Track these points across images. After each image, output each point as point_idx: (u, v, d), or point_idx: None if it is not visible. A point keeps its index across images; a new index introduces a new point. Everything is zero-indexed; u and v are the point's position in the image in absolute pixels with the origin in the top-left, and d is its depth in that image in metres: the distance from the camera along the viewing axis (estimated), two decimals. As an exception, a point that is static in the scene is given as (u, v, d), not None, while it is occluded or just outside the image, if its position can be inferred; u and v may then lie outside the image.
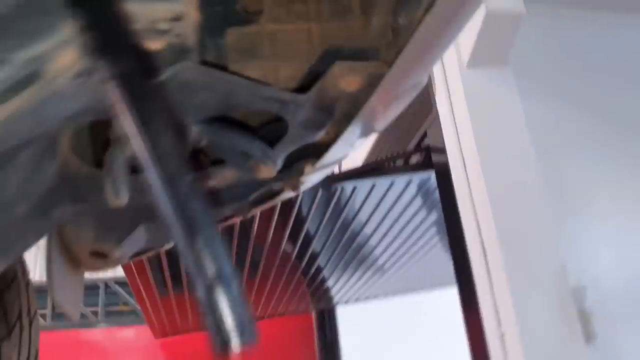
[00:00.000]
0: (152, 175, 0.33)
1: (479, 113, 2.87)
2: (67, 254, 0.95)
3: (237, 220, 1.42)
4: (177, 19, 0.48)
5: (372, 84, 0.73)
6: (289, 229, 3.52)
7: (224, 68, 0.71)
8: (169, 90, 0.56)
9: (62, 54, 0.44)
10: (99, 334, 8.26)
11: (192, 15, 0.51)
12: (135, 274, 4.10)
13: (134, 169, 0.78)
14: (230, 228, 3.63)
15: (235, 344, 0.30)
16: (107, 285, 8.45)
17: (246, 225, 3.76)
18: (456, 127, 2.99)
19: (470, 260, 2.92)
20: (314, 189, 3.30)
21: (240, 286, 0.32)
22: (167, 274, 4.13)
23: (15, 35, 0.40)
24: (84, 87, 0.51)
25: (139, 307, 7.64)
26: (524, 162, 2.74)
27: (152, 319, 5.24)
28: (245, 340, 0.31)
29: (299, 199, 3.32)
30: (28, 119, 0.48)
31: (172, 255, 3.77)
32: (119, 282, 8.52)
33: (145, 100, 0.33)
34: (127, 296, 8.54)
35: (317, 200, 3.35)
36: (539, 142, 2.78)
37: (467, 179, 2.90)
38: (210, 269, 0.31)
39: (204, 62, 0.64)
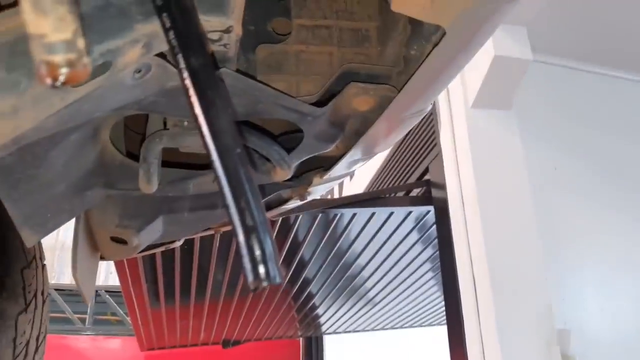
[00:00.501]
0: (210, 147, 0.41)
1: (480, 152, 2.96)
2: (89, 238, 1.03)
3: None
4: (226, 31, 0.57)
5: (381, 106, 0.83)
6: (284, 252, 3.58)
7: (253, 78, 0.80)
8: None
9: (131, 50, 0.53)
10: (85, 341, 8.24)
11: (237, 29, 0.60)
12: (130, 283, 4.15)
13: (164, 162, 0.87)
14: (226, 251, 3.70)
15: (265, 280, 0.39)
16: (97, 294, 8.45)
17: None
18: (458, 164, 3.08)
19: (460, 297, 2.98)
20: (312, 214, 3.37)
21: (272, 236, 0.40)
22: (160, 286, 4.18)
23: (96, 31, 0.49)
24: (139, 81, 0.60)
25: (127, 318, 7.63)
26: (520, 204, 2.82)
27: (140, 330, 5.25)
28: (272, 279, 0.39)
29: (297, 222, 3.39)
30: (91, 104, 0.57)
31: (168, 267, 3.83)
32: (109, 292, 8.52)
33: (212, 87, 0.42)
34: (116, 306, 8.53)
35: (315, 225, 3.42)
36: (536, 185, 2.87)
37: (465, 215, 2.98)
38: (249, 221, 0.39)
39: (238, 71, 0.74)
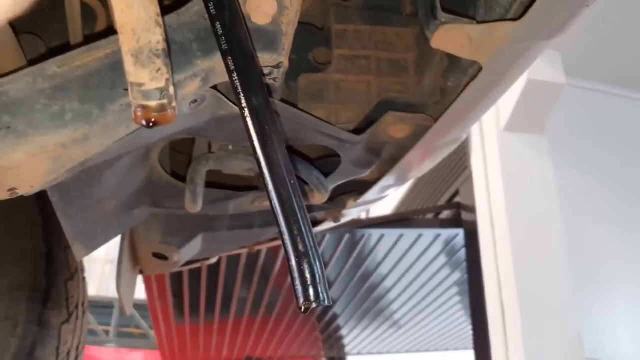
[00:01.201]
0: (267, 179, 0.45)
1: (511, 176, 2.96)
2: (131, 253, 1.07)
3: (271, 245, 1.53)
4: (276, 67, 0.61)
5: (417, 134, 0.86)
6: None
7: (295, 106, 0.85)
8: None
9: (191, 83, 0.57)
10: (108, 353, 8.33)
11: (285, 63, 0.65)
12: (156, 297, 4.21)
13: (207, 183, 0.91)
14: (251, 270, 3.74)
15: (314, 302, 0.42)
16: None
17: (266, 267, 3.86)
18: (488, 187, 3.08)
19: (488, 322, 2.96)
20: (339, 234, 3.39)
21: (322, 261, 0.44)
22: (186, 301, 4.23)
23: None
24: (194, 110, 0.64)
25: (151, 332, 7.70)
26: (550, 229, 2.80)
27: (164, 344, 5.31)
28: (322, 301, 0.43)
29: (324, 241, 3.41)
30: (149, 132, 0.61)
31: (194, 283, 3.88)
32: (134, 305, 8.61)
33: (269, 124, 0.46)
34: (140, 319, 8.63)
35: (341, 245, 3.44)
36: (568, 210, 2.85)
37: (494, 239, 2.97)
38: (301, 247, 0.43)
39: (282, 100, 0.78)
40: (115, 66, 0.53)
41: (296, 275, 0.43)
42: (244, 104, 0.47)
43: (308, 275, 0.43)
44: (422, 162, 1.01)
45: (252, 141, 0.46)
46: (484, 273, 3.03)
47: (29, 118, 0.52)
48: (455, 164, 3.48)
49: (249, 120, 0.47)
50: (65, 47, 0.69)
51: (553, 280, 2.73)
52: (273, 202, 0.44)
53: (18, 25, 0.73)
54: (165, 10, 0.58)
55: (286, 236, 0.43)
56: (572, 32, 0.69)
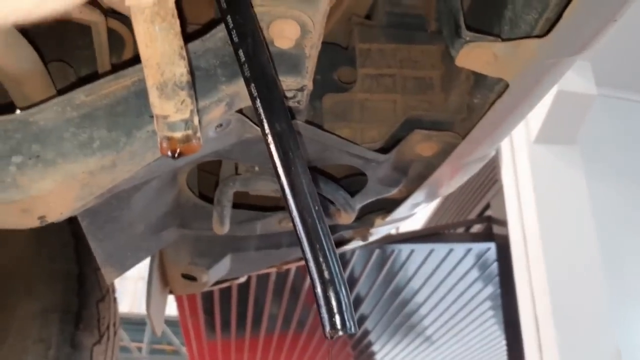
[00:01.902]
0: (291, 205, 0.45)
1: (543, 189, 2.91)
2: (161, 274, 1.08)
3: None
4: (300, 90, 0.62)
5: (445, 152, 0.85)
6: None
7: (320, 127, 0.84)
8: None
9: (216, 108, 0.58)
10: (140, 369, 8.39)
11: (309, 86, 0.65)
12: (187, 314, 4.24)
13: (234, 204, 0.91)
14: (281, 287, 3.74)
15: (341, 329, 0.42)
16: (155, 323, 8.63)
17: (296, 283, 3.85)
18: (520, 200, 3.03)
19: (522, 337, 2.89)
20: (369, 249, 3.37)
21: (347, 288, 0.43)
22: (217, 318, 4.25)
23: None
24: (220, 134, 0.65)
25: (183, 348, 7.73)
26: (584, 242, 2.74)
27: (195, 360, 5.33)
28: (348, 329, 0.42)
29: (353, 257, 3.40)
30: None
31: (225, 300, 3.90)
32: (166, 321, 8.69)
33: (292, 150, 0.46)
34: (172, 336, 8.69)
35: (371, 261, 3.41)
36: (602, 223, 2.79)
37: (527, 253, 2.91)
38: (327, 275, 0.43)
39: (307, 121, 0.78)
40: (142, 93, 0.54)
41: (322, 302, 0.42)
42: (267, 131, 0.47)
43: (334, 303, 0.42)
44: (450, 180, 1.00)
45: (275, 167, 0.46)
46: (517, 287, 2.98)
47: (58, 147, 0.53)
48: (485, 177, 3.44)
49: (272, 146, 0.47)
50: (94, 76, 0.71)
51: (588, 294, 2.67)
52: (297, 229, 0.44)
53: (48, 53, 0.75)
54: (190, 36, 0.59)
55: (311, 263, 0.43)
56: (603, 42, 0.68)
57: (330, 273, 0.42)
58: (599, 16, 0.62)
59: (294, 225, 0.45)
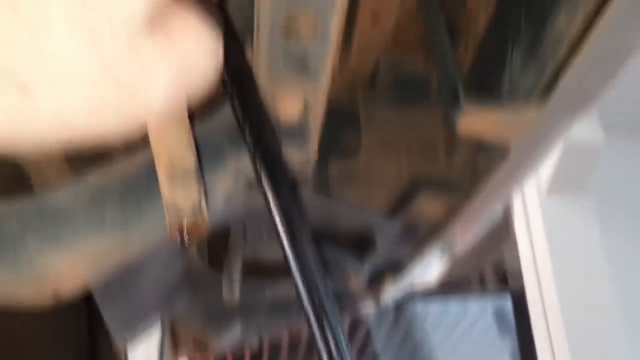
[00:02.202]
0: (298, 281, 0.46)
1: (557, 240, 2.87)
2: (172, 339, 1.08)
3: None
4: (306, 161, 0.63)
5: (453, 213, 0.86)
6: (354, 344, 3.52)
7: (327, 194, 0.86)
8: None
9: (223, 183, 0.59)
10: None
11: (314, 156, 0.67)
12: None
13: (244, 271, 0.92)
14: (295, 344, 3.69)
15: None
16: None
17: (311, 341, 3.78)
18: (534, 253, 2.99)
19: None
20: (384, 308, 3.33)
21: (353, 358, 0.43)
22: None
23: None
24: (228, 205, 0.66)
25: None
26: (601, 293, 2.69)
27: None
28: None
29: (369, 314, 3.35)
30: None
31: None
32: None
33: (299, 226, 0.48)
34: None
35: (386, 318, 3.37)
36: (619, 273, 2.74)
37: (544, 306, 2.86)
38: (334, 352, 0.43)
39: (314, 188, 0.80)
40: (152, 173, 0.56)
41: (330, 379, 0.42)
42: (273, 207, 0.48)
43: (342, 380, 0.43)
44: (460, 239, 1.01)
45: (281, 243, 0.47)
46: (535, 342, 2.91)
47: (72, 226, 0.55)
48: (498, 231, 3.41)
49: (277, 222, 0.48)
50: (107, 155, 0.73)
51: (608, 345, 2.60)
52: (304, 302, 0.45)
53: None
54: (199, 111, 0.61)
55: (318, 339, 0.43)
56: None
57: (338, 348, 0.43)
58: (595, 80, 0.64)
59: (300, 299, 0.45)
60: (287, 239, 0.47)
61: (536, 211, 3.00)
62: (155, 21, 0.23)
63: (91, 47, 0.21)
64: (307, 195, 0.74)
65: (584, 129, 2.90)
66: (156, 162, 0.46)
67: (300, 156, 0.62)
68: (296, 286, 0.46)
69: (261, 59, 0.55)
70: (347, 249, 0.90)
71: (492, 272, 3.49)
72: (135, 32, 0.22)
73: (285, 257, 0.47)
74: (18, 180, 0.67)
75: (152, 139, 0.46)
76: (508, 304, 3.23)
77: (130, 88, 0.23)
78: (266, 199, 0.49)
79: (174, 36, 0.25)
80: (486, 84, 0.74)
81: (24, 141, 0.23)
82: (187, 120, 0.45)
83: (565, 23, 0.59)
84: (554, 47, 0.62)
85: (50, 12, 0.19)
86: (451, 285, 3.53)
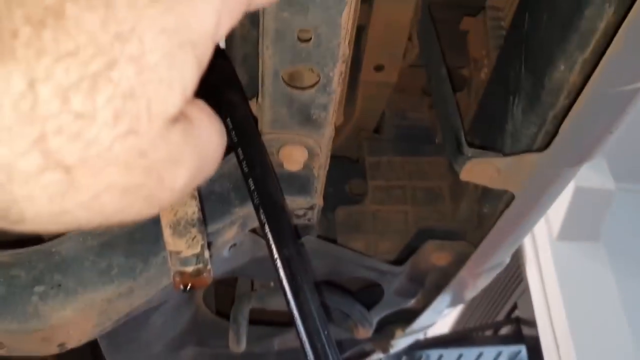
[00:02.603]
0: (300, 329, 0.46)
1: (570, 287, 2.83)
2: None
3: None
4: (310, 208, 0.64)
5: (460, 261, 0.85)
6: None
7: (333, 240, 0.86)
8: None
9: (229, 230, 0.60)
10: None
11: (319, 203, 0.67)
12: None
13: (251, 320, 0.91)
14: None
15: None
16: None
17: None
18: (547, 300, 2.95)
19: None
20: (396, 356, 3.25)
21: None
22: None
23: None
24: (233, 254, 0.67)
25: None
26: (617, 339, 2.63)
27: None
28: None
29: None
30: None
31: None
32: None
33: (300, 274, 0.48)
34: None
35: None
36: (634, 319, 2.68)
37: (559, 355, 2.79)
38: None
39: (319, 236, 0.80)
40: (158, 221, 0.57)
41: None
42: (276, 256, 0.49)
43: None
44: (468, 287, 1.00)
45: (284, 292, 0.47)
46: (553, 392, 2.83)
47: (79, 275, 0.55)
48: (510, 277, 3.37)
49: (280, 271, 0.48)
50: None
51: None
52: (307, 354, 0.45)
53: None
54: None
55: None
56: (618, 138, 0.70)
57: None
58: (595, 128, 0.65)
59: (303, 350, 0.45)
60: (290, 288, 0.47)
61: (548, 258, 2.97)
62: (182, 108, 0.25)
63: (129, 134, 0.22)
64: (313, 242, 0.74)
65: (595, 177, 2.90)
66: (159, 212, 0.47)
67: (305, 203, 0.63)
68: (299, 335, 0.46)
69: (265, 108, 0.56)
70: (353, 298, 0.90)
71: (506, 319, 3.42)
72: (169, 119, 0.24)
73: (288, 306, 0.47)
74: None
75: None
76: (522, 354, 3.15)
77: (159, 173, 0.25)
78: (269, 248, 0.49)
79: (193, 120, 0.26)
80: (489, 132, 0.75)
81: (59, 221, 0.23)
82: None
83: (564, 73, 0.60)
84: (553, 97, 0.63)
85: (97, 100, 0.21)
86: (464, 334, 3.46)
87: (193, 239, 0.47)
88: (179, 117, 0.25)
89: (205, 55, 0.25)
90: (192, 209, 0.47)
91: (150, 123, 0.23)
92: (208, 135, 0.28)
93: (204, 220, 0.52)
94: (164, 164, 0.25)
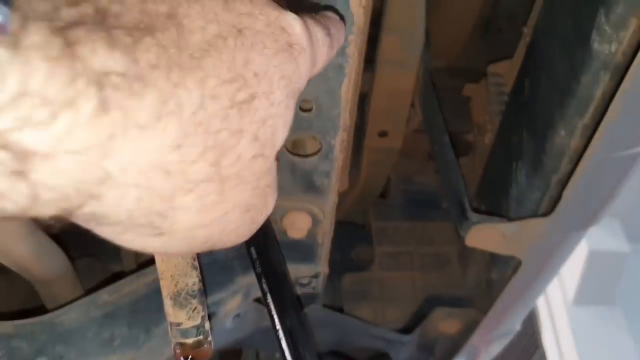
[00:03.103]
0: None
1: (587, 352, 2.75)
2: None
3: None
4: (315, 276, 0.64)
5: (469, 329, 0.83)
6: None
7: (340, 308, 0.85)
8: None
9: (232, 299, 0.60)
10: None
11: (324, 271, 0.67)
12: None
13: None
14: None
15: None
16: None
17: None
18: (565, 367, 2.85)
19: None
20: None
21: None
22: None
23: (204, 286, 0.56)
24: (237, 324, 0.66)
25: None
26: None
27: None
28: None
29: None
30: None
31: None
32: None
33: (303, 344, 0.47)
34: None
35: None
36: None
37: None
38: None
39: (325, 305, 0.79)
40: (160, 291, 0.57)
41: None
42: (278, 326, 0.48)
43: None
44: (479, 356, 0.97)
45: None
46: None
47: (81, 347, 0.55)
48: (526, 344, 3.27)
49: (283, 341, 0.48)
50: (120, 274, 0.74)
51: None
52: None
53: (77, 248, 0.80)
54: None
55: None
56: (631, 200, 0.69)
57: None
58: (598, 192, 0.65)
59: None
60: (292, 358, 0.46)
61: (564, 323, 2.89)
62: None
63: (259, 157, 0.26)
64: (318, 311, 0.73)
65: (609, 239, 2.86)
66: (160, 282, 0.47)
67: (310, 271, 0.62)
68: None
69: (269, 177, 0.57)
70: (361, 367, 0.88)
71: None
72: (278, 151, 0.29)
73: (291, 377, 0.46)
74: (31, 297, 0.68)
75: (157, 259, 0.47)
76: None
77: (266, 196, 0.30)
78: (271, 318, 0.49)
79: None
80: (494, 196, 0.75)
81: (194, 236, 0.26)
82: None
83: (565, 138, 0.61)
84: (556, 161, 0.63)
85: (244, 121, 0.25)
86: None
87: (194, 310, 0.46)
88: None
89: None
90: (193, 280, 0.47)
91: (272, 149, 0.28)
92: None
93: (205, 289, 0.51)
94: (270, 189, 0.30)
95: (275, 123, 0.27)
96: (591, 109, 0.57)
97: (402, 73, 0.87)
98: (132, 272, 0.61)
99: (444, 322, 0.84)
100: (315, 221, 0.61)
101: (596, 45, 0.52)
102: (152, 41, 0.21)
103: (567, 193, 0.61)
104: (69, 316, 0.56)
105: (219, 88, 0.24)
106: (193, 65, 0.23)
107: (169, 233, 0.25)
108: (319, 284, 0.65)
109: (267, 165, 0.28)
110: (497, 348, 1.01)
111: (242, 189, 0.27)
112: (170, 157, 0.22)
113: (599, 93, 0.55)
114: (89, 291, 0.65)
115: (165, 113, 0.22)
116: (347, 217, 1.01)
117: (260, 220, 0.31)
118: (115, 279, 0.60)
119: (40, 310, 0.75)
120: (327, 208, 0.61)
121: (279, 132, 0.28)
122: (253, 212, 0.29)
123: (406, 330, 0.85)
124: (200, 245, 0.28)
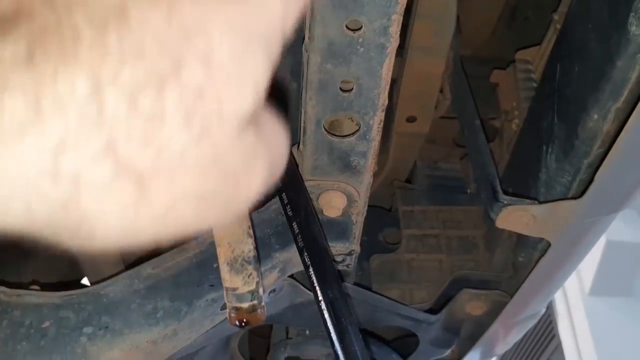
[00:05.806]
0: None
1: (603, 342, 2.74)
2: None
3: None
4: (349, 254, 0.65)
5: (495, 311, 0.85)
6: None
7: (368, 289, 0.87)
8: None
9: (270, 275, 0.61)
10: None
11: (357, 249, 0.69)
12: None
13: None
14: None
15: None
16: None
17: None
18: (580, 356, 2.85)
19: None
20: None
21: None
22: None
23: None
24: (273, 299, 0.68)
25: None
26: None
27: None
28: None
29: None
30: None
31: None
32: None
33: (345, 316, 0.49)
34: None
35: None
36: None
37: (596, 417, 2.68)
38: None
39: (356, 284, 0.81)
40: (202, 265, 0.59)
41: None
42: (320, 297, 0.50)
43: None
44: (503, 338, 0.98)
45: (329, 333, 0.48)
46: None
47: (126, 317, 0.57)
48: (542, 333, 3.28)
49: (325, 313, 0.49)
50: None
51: None
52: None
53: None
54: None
55: None
56: None
57: None
58: (631, 176, 0.65)
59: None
60: (335, 330, 0.48)
61: (581, 314, 2.89)
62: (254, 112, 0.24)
63: (202, 137, 0.21)
64: (350, 289, 0.75)
65: (626, 231, 2.85)
66: (217, 249, 0.49)
67: (344, 249, 0.64)
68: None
69: (307, 156, 0.59)
70: (389, 346, 0.89)
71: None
72: (242, 121, 0.23)
73: (333, 348, 0.47)
74: (74, 272, 0.71)
75: (215, 228, 0.49)
76: (558, 415, 3.03)
77: (235, 178, 0.24)
78: (314, 290, 0.50)
79: (263, 126, 0.25)
80: (522, 181, 0.76)
81: (132, 237, 0.22)
82: (246, 211, 0.47)
83: (598, 122, 0.62)
84: (587, 145, 0.64)
85: (166, 101, 0.20)
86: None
87: (249, 276, 0.48)
88: (252, 119, 0.24)
89: (275, 51, 0.24)
90: (249, 247, 0.49)
91: (222, 125, 0.22)
92: (276, 138, 0.27)
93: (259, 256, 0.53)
94: (239, 168, 0.24)
95: (221, 91, 0.21)
96: (625, 93, 0.57)
97: (432, 59, 0.88)
98: (172, 247, 0.63)
99: (471, 304, 0.85)
100: (351, 200, 0.63)
101: (633, 28, 0.53)
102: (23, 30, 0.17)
103: (599, 176, 0.62)
104: (113, 288, 0.59)
105: (123, 65, 0.19)
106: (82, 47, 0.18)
107: (97, 238, 0.22)
108: (352, 262, 0.67)
109: (219, 144, 0.22)
110: (518, 334, 1.02)
111: (184, 178, 0.22)
112: (57, 160, 0.19)
113: (634, 76, 0.56)
114: (129, 266, 0.67)
115: (42, 112, 0.18)
116: (374, 200, 1.02)
117: (238, 202, 0.25)
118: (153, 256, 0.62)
119: (77, 283, 0.78)
120: (362, 188, 0.62)
121: (232, 100, 0.22)
122: (220, 198, 0.24)
123: (433, 311, 0.86)
124: (155, 240, 0.23)
